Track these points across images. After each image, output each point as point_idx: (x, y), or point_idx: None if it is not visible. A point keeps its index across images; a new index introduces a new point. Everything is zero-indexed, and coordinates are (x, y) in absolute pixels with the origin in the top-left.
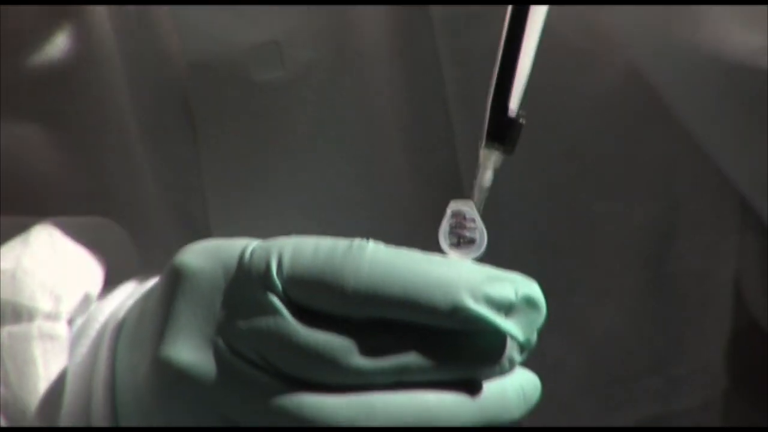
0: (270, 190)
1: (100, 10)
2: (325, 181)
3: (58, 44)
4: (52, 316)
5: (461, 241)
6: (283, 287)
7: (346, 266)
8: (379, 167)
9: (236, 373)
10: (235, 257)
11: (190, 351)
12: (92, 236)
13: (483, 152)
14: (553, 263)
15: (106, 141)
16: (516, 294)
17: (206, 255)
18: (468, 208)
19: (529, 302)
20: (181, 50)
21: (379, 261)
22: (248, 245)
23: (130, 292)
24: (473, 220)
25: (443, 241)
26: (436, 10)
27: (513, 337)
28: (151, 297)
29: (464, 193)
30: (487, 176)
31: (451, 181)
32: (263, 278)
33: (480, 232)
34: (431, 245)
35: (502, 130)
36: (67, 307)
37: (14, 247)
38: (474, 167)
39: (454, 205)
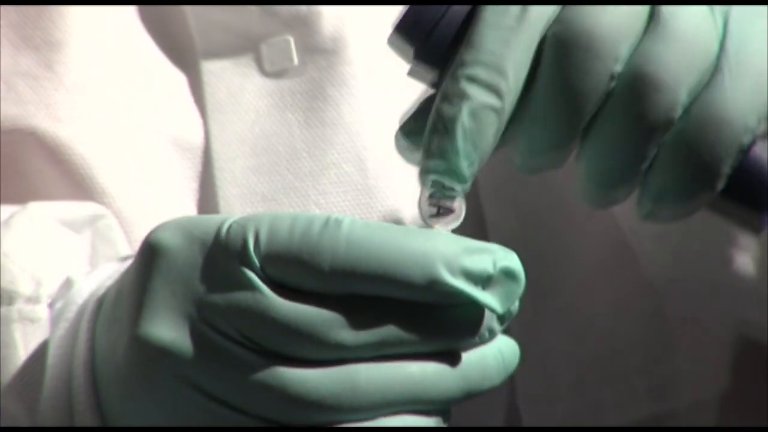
0: (280, 177)
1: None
2: (333, 171)
3: (66, 37)
4: (33, 300)
5: (440, 211)
6: (260, 263)
7: (323, 243)
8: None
9: (216, 350)
10: (212, 234)
11: (168, 328)
12: (78, 220)
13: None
14: (543, 261)
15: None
16: (494, 265)
17: (182, 232)
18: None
19: (508, 273)
20: (195, 42)
21: (355, 237)
22: (224, 221)
23: (110, 274)
24: (452, 189)
25: (421, 211)
26: None
27: (491, 310)
28: (128, 275)
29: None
30: None
31: None
32: (240, 255)
33: (459, 201)
34: None
35: None
36: (47, 291)
37: None
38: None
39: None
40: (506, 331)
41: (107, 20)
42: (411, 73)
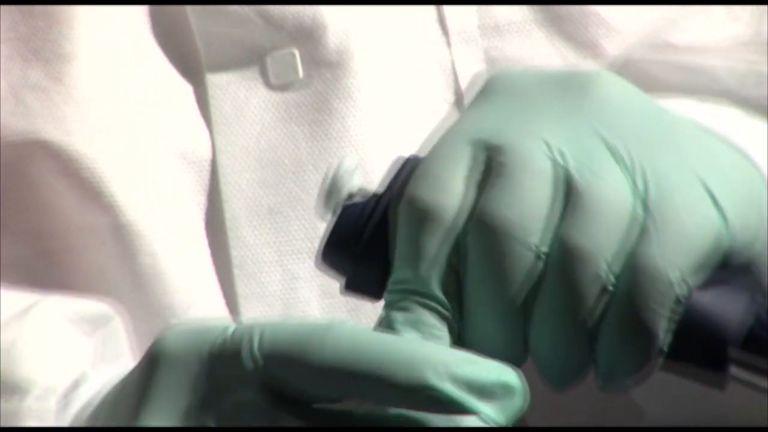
0: (286, 190)
1: (119, 15)
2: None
3: (75, 49)
4: (43, 396)
5: None
6: (259, 368)
7: (312, 346)
8: None
9: None
10: (215, 339)
11: (166, 425)
12: (88, 320)
13: None
14: None
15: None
16: (488, 376)
17: (186, 338)
18: None
19: (506, 388)
20: (200, 53)
21: (344, 339)
22: (228, 327)
23: (113, 375)
24: None
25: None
26: (452, 21)
27: (489, 419)
28: (131, 375)
29: None
30: None
31: None
32: (245, 356)
33: None
34: None
35: None
36: (58, 388)
37: (14, 320)
38: None
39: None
40: None
41: (117, 33)
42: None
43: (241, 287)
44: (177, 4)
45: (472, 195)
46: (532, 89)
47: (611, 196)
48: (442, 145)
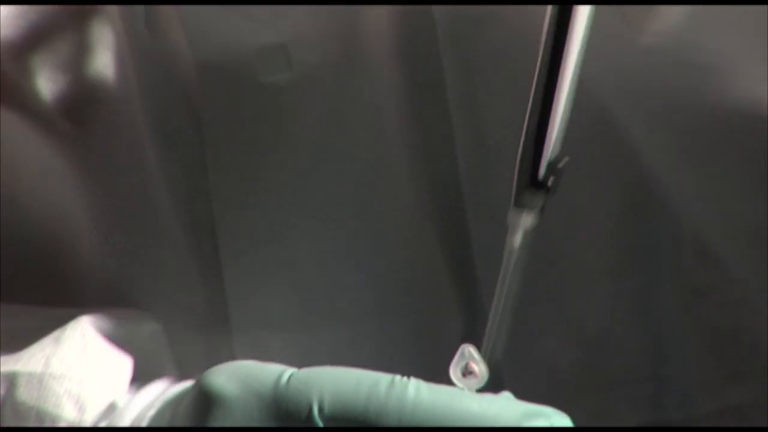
0: (275, 192)
1: (110, 11)
2: (329, 183)
3: (73, 47)
4: (75, 425)
5: (467, 373)
6: (324, 424)
7: (390, 405)
8: (382, 171)
9: None
10: (269, 386)
11: None
12: (125, 334)
13: (511, 214)
14: (546, 266)
15: (117, 140)
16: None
17: (239, 381)
18: (474, 350)
19: None
20: (189, 51)
21: (422, 400)
22: (282, 374)
23: (150, 401)
24: (477, 358)
25: (452, 372)
26: (439, 14)
27: None
28: (180, 418)
29: (464, 199)
30: (516, 238)
31: (451, 188)
32: (304, 419)
33: (481, 367)
34: (430, 248)
35: (530, 197)
36: (90, 416)
37: (45, 346)
38: (473, 175)
39: (464, 347)
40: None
41: None
42: None
43: None
44: (168, 4)
45: None
46: None
47: None
48: None
